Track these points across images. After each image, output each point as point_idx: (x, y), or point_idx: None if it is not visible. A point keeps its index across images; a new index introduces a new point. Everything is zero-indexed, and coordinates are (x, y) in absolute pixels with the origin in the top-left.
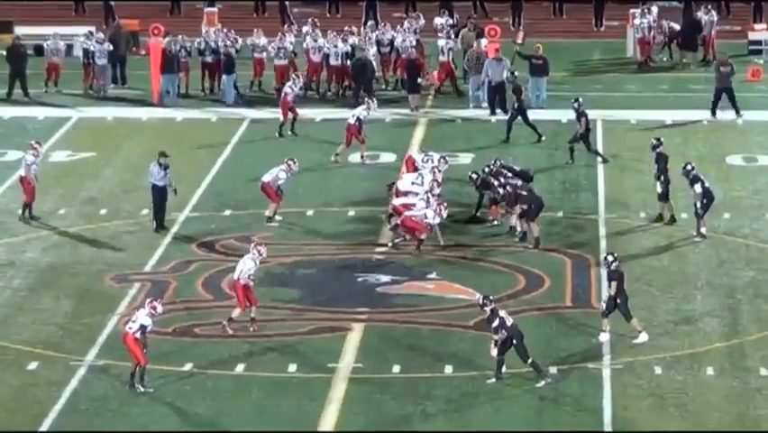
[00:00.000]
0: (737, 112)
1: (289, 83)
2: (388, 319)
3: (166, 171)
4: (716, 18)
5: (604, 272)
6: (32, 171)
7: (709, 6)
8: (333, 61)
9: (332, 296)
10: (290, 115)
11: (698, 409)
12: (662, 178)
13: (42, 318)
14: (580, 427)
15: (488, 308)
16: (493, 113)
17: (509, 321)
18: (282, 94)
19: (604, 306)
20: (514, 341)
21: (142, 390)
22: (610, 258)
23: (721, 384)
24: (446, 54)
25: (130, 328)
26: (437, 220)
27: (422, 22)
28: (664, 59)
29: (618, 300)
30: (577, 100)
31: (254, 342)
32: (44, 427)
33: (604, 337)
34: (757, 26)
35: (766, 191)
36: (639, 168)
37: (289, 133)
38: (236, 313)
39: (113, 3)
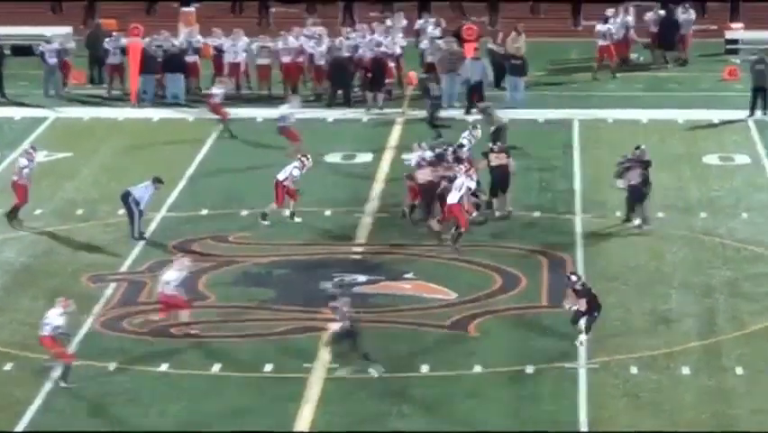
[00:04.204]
0: (765, 111)
1: (216, 85)
2: (365, 319)
3: (149, 197)
4: (693, 17)
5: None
6: (25, 175)
7: (687, 5)
8: (317, 61)
9: (308, 296)
10: (220, 116)
11: (673, 409)
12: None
13: (19, 319)
14: (557, 426)
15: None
16: (468, 112)
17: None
18: (208, 96)
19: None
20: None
21: (65, 386)
22: (574, 278)
23: (697, 383)
24: (433, 55)
25: (44, 331)
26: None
27: (403, 22)
28: (641, 58)
29: (587, 316)
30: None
31: (230, 342)
32: (20, 427)
33: (583, 338)
34: (734, 25)
35: (742, 190)
36: (615, 167)
37: (225, 135)
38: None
39: (95, 2)
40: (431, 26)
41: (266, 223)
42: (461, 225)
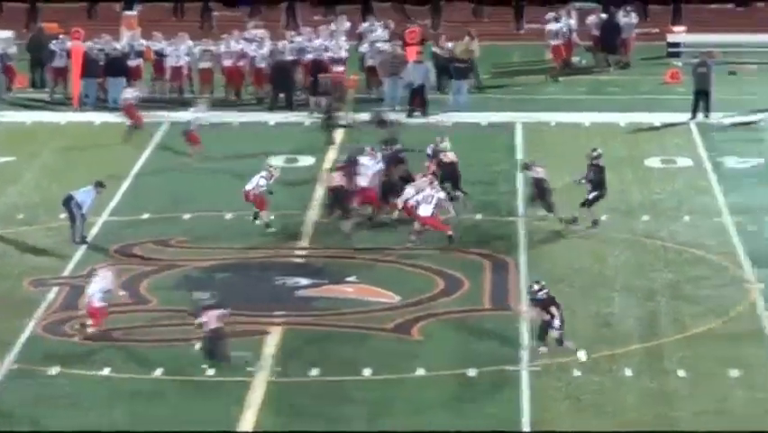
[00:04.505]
0: (707, 114)
1: (130, 89)
2: (307, 322)
3: (92, 201)
4: (635, 21)
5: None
6: None
7: (629, 9)
8: (258, 64)
9: (250, 299)
10: (133, 120)
11: (616, 411)
12: (595, 187)
13: None
14: (499, 429)
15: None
16: (411, 115)
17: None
18: (122, 100)
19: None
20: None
21: None
22: (536, 286)
23: (639, 386)
24: (374, 59)
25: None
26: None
27: (347, 24)
28: (583, 61)
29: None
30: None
31: (173, 346)
32: None
33: (573, 347)
34: (675, 28)
35: (684, 193)
36: (557, 170)
37: (130, 138)
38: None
39: (37, 6)
40: (379, 29)
41: (272, 229)
42: (446, 231)
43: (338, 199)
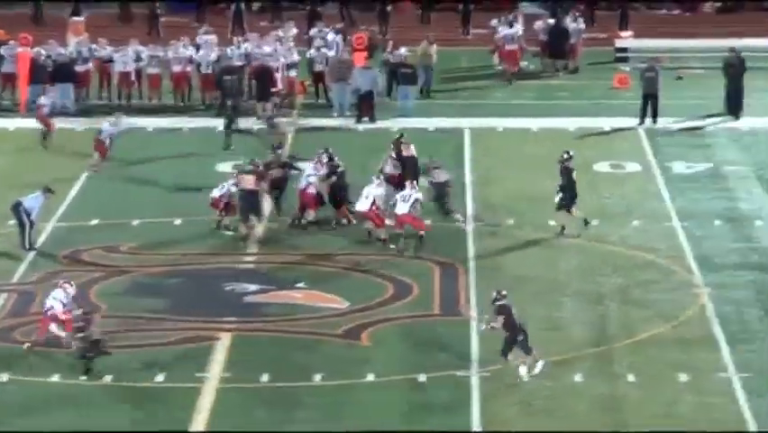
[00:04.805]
0: (655, 119)
1: (44, 96)
2: (257, 328)
3: (40, 207)
4: (583, 26)
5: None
6: None
7: (576, 14)
8: (203, 70)
9: (199, 305)
10: (45, 127)
11: (566, 415)
12: (563, 190)
13: None
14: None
15: (497, 303)
16: (359, 121)
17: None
18: (36, 106)
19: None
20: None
21: None
22: (494, 294)
23: (589, 390)
24: (322, 64)
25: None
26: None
27: (294, 31)
28: (531, 66)
29: (518, 337)
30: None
31: (122, 352)
32: None
33: (529, 369)
34: (623, 34)
35: (633, 198)
36: (506, 175)
37: (45, 146)
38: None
39: None
40: (332, 34)
41: (229, 232)
42: (421, 229)
43: (249, 202)
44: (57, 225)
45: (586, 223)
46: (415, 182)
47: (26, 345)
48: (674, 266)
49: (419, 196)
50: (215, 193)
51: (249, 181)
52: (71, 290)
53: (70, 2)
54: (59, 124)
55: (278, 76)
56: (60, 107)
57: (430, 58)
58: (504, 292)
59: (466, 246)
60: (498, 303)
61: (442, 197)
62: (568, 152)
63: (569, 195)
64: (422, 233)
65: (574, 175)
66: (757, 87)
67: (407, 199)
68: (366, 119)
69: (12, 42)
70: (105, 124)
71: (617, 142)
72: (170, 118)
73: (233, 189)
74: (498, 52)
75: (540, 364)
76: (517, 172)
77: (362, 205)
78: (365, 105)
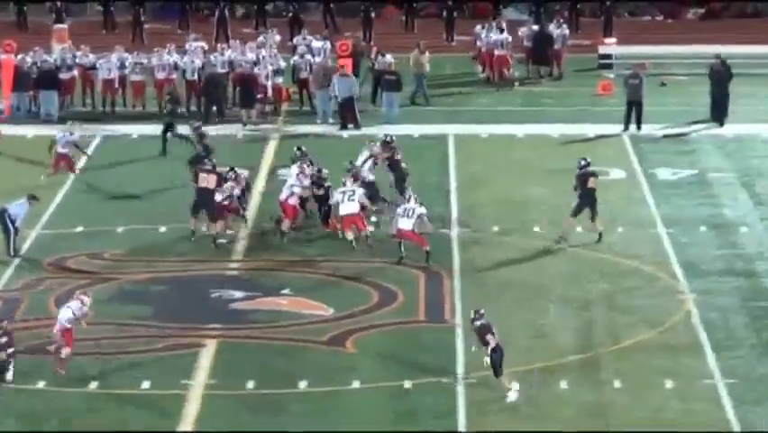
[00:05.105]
0: (639, 125)
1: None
2: (242, 336)
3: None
4: (567, 33)
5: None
6: None
7: (560, 21)
8: (189, 77)
9: (185, 312)
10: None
11: (552, 423)
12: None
13: None
14: None
15: (478, 323)
16: (344, 127)
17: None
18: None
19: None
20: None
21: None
22: (472, 314)
23: (575, 397)
24: (306, 71)
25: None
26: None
27: (277, 38)
28: (516, 73)
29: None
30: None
31: (107, 360)
32: None
33: (513, 395)
34: (607, 40)
35: (617, 204)
36: (491, 181)
37: None
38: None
39: None
40: (319, 41)
41: (222, 240)
42: (423, 246)
43: (204, 200)
44: (41, 232)
45: (599, 238)
46: (413, 195)
47: (64, 351)
48: (659, 272)
49: (423, 210)
50: (218, 198)
51: (209, 181)
52: (88, 301)
53: (56, 1)
54: (43, 131)
55: (267, 83)
56: (44, 115)
57: (422, 66)
58: (482, 311)
59: (451, 253)
60: (477, 323)
61: (373, 200)
62: (585, 159)
63: (586, 204)
64: (427, 248)
65: (591, 183)
66: (742, 93)
67: (411, 214)
68: (351, 126)
69: None
70: (60, 134)
71: (602, 148)
72: (154, 125)
73: (237, 192)
74: (480, 58)
75: (514, 392)
76: (503, 178)
77: (349, 208)
78: (347, 113)
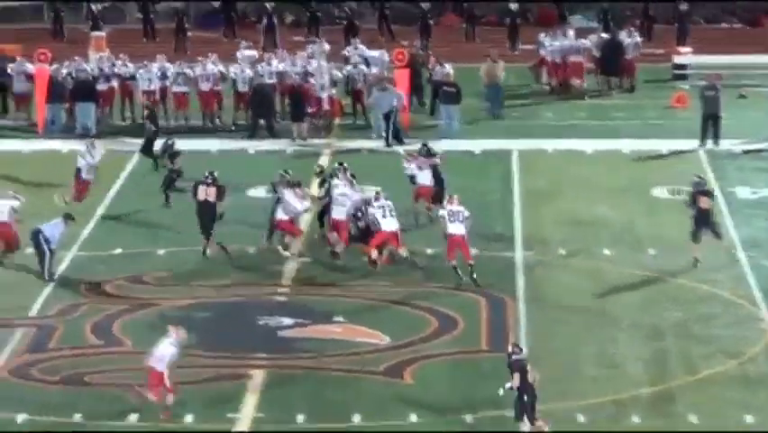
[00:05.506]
0: (716, 141)
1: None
2: (292, 365)
3: (60, 235)
4: (639, 41)
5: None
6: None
7: (632, 28)
8: (240, 87)
9: (230, 340)
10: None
11: None
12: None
13: None
14: None
15: (515, 357)
16: (388, 145)
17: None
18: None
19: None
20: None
21: None
22: (510, 348)
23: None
24: (360, 82)
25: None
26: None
27: (326, 47)
28: (584, 84)
29: (525, 396)
30: None
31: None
32: None
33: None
34: (682, 49)
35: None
36: (557, 201)
37: None
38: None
39: None
40: (375, 51)
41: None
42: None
43: (203, 214)
44: (78, 253)
45: (696, 263)
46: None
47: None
48: (739, 299)
49: (468, 213)
50: (279, 215)
51: (208, 193)
52: (183, 335)
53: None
54: (78, 145)
55: (324, 95)
56: (81, 128)
57: (496, 77)
58: (521, 346)
59: (514, 276)
60: (513, 358)
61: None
62: (699, 176)
63: (702, 225)
64: (471, 262)
65: (704, 203)
66: None
67: (461, 218)
68: (394, 142)
69: (18, 59)
70: (81, 160)
71: (677, 165)
72: (198, 140)
73: (306, 204)
74: (539, 68)
75: None
76: (569, 197)
77: (392, 224)
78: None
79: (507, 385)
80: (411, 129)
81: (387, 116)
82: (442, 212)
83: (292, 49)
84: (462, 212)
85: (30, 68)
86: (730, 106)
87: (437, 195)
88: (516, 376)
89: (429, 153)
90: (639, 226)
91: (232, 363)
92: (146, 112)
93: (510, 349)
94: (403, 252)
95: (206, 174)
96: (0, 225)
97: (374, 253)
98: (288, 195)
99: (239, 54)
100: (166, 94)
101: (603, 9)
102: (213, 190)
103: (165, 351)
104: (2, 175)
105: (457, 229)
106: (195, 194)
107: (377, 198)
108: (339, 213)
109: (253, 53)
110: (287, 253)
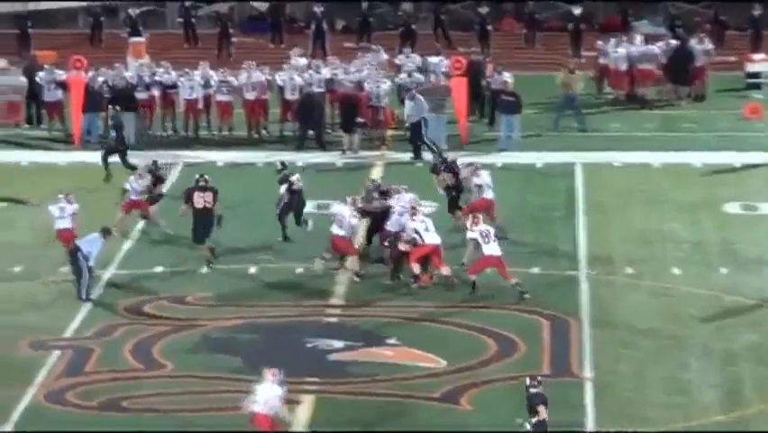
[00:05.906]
0: None
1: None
2: (342, 391)
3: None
4: (710, 48)
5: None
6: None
7: (702, 35)
8: (288, 95)
9: (277, 364)
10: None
11: None
12: None
13: None
14: None
15: (534, 390)
16: (417, 157)
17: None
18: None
19: None
20: None
21: None
22: (528, 381)
23: None
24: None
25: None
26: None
27: (383, 56)
28: (646, 95)
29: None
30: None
31: (190, 417)
32: None
33: None
34: (755, 56)
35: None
36: (623, 216)
37: None
38: None
39: (30, 32)
40: (434, 58)
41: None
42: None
43: (202, 223)
44: (116, 272)
45: None
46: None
47: None
48: None
49: (492, 229)
50: (335, 230)
51: (206, 199)
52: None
53: None
54: (117, 158)
55: (379, 104)
56: (91, 137)
57: (571, 88)
58: (539, 378)
59: (578, 297)
60: (533, 390)
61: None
62: None
63: None
64: (513, 281)
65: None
66: None
67: (493, 236)
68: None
69: (47, 67)
70: (132, 184)
71: (750, 179)
72: (243, 152)
73: (355, 222)
74: (599, 76)
75: None
76: (637, 212)
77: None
78: (415, 139)
79: (534, 420)
80: (470, 140)
81: (414, 126)
82: (472, 234)
83: (342, 55)
84: (491, 230)
85: (60, 75)
86: None
87: (453, 201)
88: (542, 409)
89: (449, 167)
90: (710, 244)
91: None
92: (110, 123)
93: (528, 382)
94: (445, 270)
95: (197, 178)
96: (65, 232)
97: (416, 268)
98: (343, 209)
99: (292, 61)
100: (209, 103)
101: (671, 14)
102: (210, 195)
103: (269, 394)
104: (38, 186)
105: (494, 250)
106: (189, 201)
107: (414, 213)
108: (336, 230)
109: (305, 61)
110: (319, 266)
